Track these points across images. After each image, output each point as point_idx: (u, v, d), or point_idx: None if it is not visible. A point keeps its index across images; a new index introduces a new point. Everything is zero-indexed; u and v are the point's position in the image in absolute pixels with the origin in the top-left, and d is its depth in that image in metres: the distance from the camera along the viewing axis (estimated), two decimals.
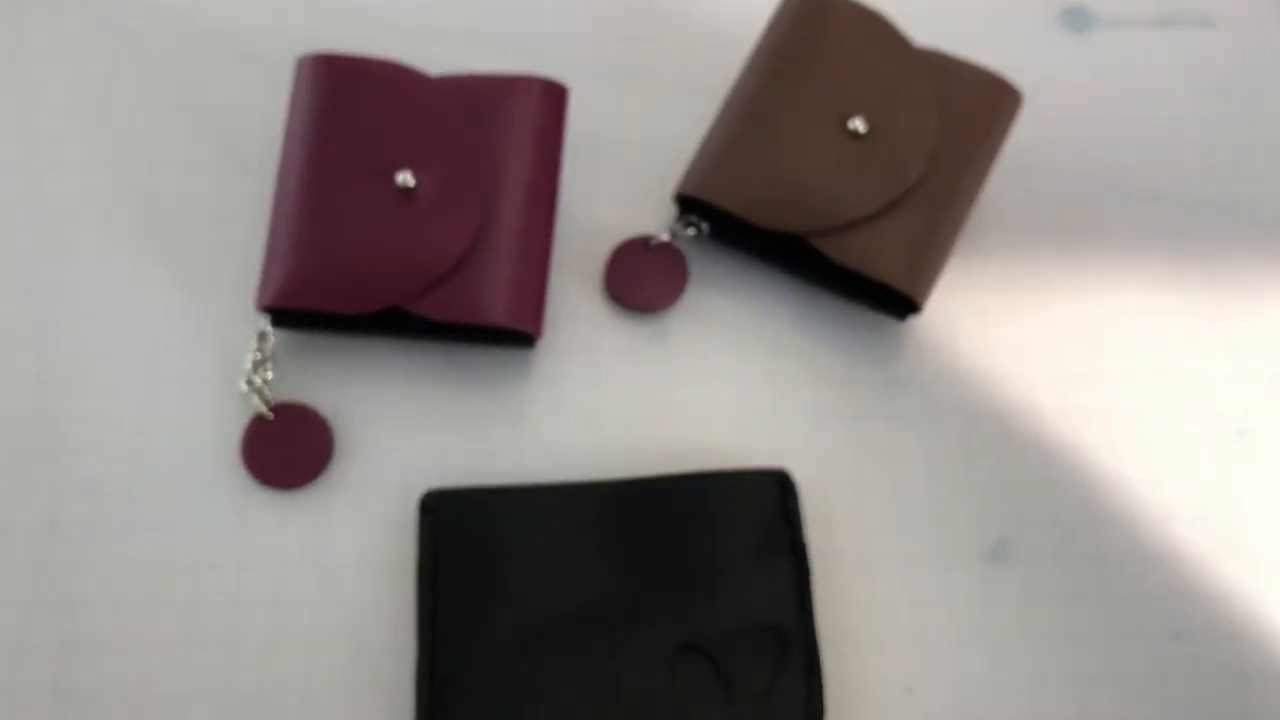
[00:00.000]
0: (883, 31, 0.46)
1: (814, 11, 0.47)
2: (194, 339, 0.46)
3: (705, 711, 0.39)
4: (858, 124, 0.45)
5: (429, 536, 0.41)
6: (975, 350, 0.47)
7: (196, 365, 0.45)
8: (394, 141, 0.44)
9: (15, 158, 0.49)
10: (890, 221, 0.44)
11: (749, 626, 0.40)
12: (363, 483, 0.44)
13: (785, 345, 0.47)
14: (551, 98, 0.45)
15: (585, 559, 0.41)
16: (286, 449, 0.44)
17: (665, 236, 0.47)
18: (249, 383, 0.44)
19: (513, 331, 0.44)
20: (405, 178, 0.43)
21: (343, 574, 0.42)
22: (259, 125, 0.49)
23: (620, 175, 0.49)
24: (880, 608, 0.42)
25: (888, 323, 0.47)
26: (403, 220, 0.43)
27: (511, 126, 0.44)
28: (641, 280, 0.47)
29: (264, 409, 0.44)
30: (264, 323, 0.44)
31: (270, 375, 0.45)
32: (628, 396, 0.45)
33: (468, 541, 0.41)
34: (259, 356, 0.45)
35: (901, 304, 0.45)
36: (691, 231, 0.47)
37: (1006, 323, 0.47)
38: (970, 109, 0.46)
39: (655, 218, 0.48)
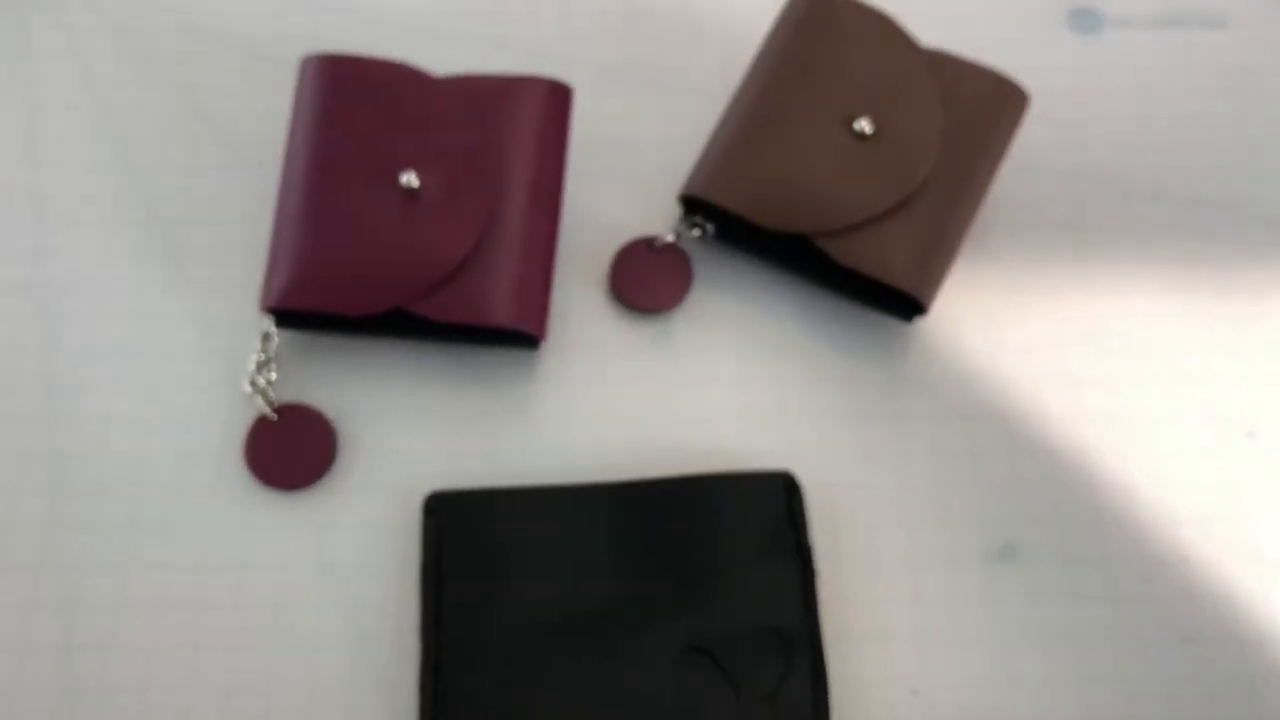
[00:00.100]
0: (889, 32, 0.46)
1: (820, 12, 0.47)
2: (197, 340, 0.46)
3: (710, 714, 0.39)
4: (864, 125, 0.45)
5: (433, 538, 0.41)
6: (981, 351, 0.47)
7: (200, 366, 0.45)
8: (398, 142, 0.43)
9: (18, 158, 0.49)
10: (896, 223, 0.44)
11: (754, 628, 0.40)
12: (366, 484, 0.44)
13: (790, 346, 0.46)
14: (556, 98, 0.45)
15: (590, 561, 0.41)
16: (290, 450, 0.43)
17: (670, 237, 0.47)
18: (253, 384, 0.44)
19: (517, 333, 0.44)
20: (409, 178, 0.43)
21: (346, 575, 0.42)
22: (263, 126, 0.49)
23: (625, 176, 0.49)
24: (886, 609, 0.42)
25: (893, 324, 0.47)
26: (407, 221, 0.43)
27: (516, 127, 0.44)
28: (646, 281, 0.47)
29: (268, 410, 0.44)
30: (268, 324, 0.44)
31: (274, 376, 0.45)
32: (632, 397, 0.45)
33: (472, 543, 0.41)
34: (263, 357, 0.45)
35: (907, 305, 0.45)
36: (696, 232, 0.47)
37: (1013, 324, 0.47)
38: (977, 110, 0.45)
39: (660, 218, 0.48)
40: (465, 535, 0.41)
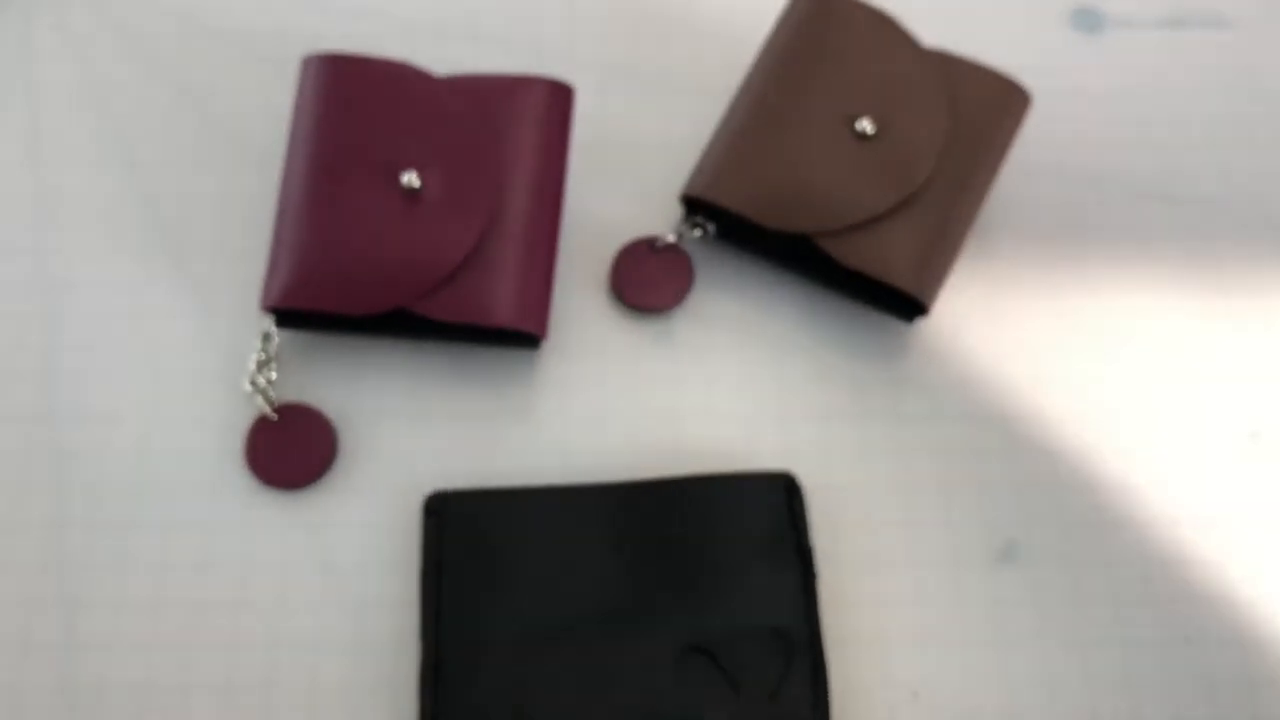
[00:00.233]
0: (891, 32, 0.46)
1: (822, 12, 0.47)
2: (198, 339, 0.46)
3: (710, 714, 0.39)
4: (865, 125, 0.44)
5: (433, 538, 0.41)
6: (983, 352, 0.47)
7: (201, 365, 0.45)
8: (399, 141, 0.43)
9: (19, 157, 0.49)
10: (898, 223, 0.44)
11: (755, 629, 0.40)
12: (367, 484, 0.44)
13: (791, 346, 0.46)
14: (558, 98, 0.45)
15: (591, 561, 0.41)
16: (290, 450, 0.43)
17: (671, 237, 0.47)
18: (253, 383, 0.44)
19: (518, 332, 0.44)
20: (410, 178, 0.43)
21: (346, 575, 0.42)
22: (264, 125, 0.49)
23: (626, 176, 0.49)
24: (887, 610, 0.42)
25: (895, 324, 0.47)
26: (408, 221, 0.43)
27: (517, 127, 0.44)
28: (647, 281, 0.47)
29: (268, 409, 0.44)
30: (268, 323, 0.44)
31: (274, 376, 0.45)
32: (633, 398, 0.45)
33: (472, 543, 0.41)
34: (263, 357, 0.45)
35: (909, 306, 0.45)
36: (698, 232, 0.47)
37: (1015, 324, 0.47)
38: (979, 110, 0.45)
39: (661, 218, 0.48)
40: (465, 535, 0.41)
